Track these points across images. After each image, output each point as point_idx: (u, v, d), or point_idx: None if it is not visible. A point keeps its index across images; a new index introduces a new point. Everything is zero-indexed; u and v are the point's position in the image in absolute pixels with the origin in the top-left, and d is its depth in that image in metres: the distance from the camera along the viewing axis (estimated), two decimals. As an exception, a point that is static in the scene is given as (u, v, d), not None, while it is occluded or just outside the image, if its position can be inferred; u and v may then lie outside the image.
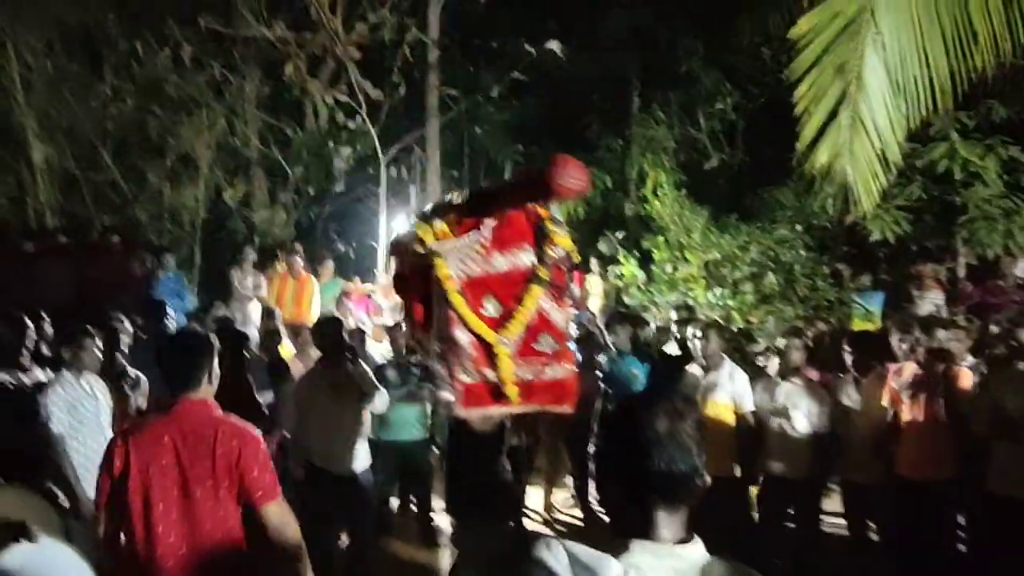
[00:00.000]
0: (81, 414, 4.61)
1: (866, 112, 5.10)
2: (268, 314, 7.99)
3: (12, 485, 4.01)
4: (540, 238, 3.19)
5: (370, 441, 6.61)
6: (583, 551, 1.18)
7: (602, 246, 11.07)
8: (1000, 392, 4.87)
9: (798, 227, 9.24)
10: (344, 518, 5.35)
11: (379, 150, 11.18)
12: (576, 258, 3.20)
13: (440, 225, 3.12)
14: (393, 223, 10.66)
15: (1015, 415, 4.70)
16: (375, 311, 9.40)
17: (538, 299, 3.19)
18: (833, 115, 5.19)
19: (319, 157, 12.39)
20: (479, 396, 3.33)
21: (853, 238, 9.55)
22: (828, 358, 6.52)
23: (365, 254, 12.01)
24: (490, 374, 3.23)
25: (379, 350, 7.74)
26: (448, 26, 12.43)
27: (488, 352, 3.19)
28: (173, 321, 6.54)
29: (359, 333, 6.81)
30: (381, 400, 5.51)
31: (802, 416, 5.55)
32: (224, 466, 2.98)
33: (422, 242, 3.06)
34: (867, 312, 8.96)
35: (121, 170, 11.78)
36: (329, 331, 5.47)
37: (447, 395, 3.24)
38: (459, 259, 3.17)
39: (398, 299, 9.88)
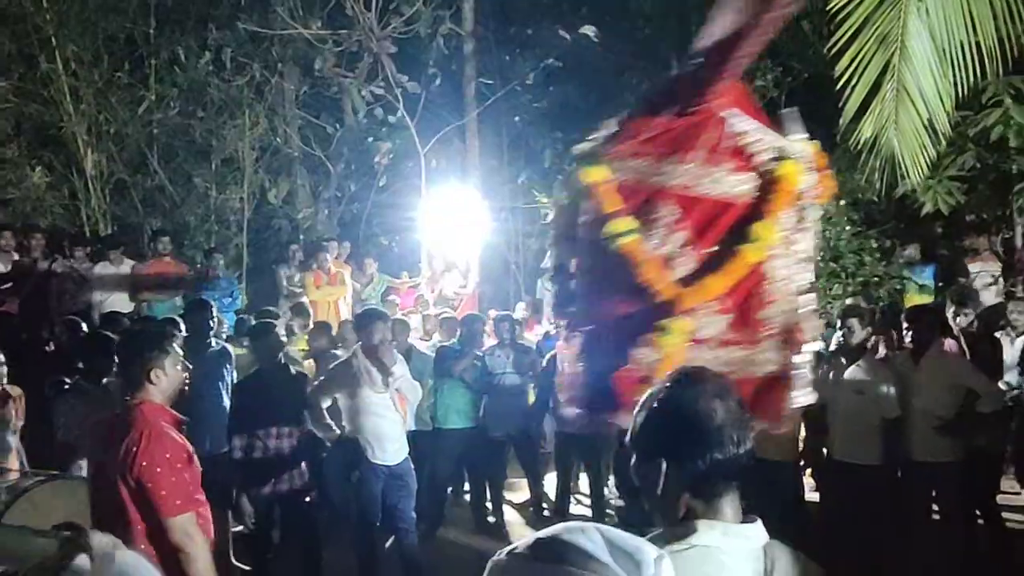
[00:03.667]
0: None
1: (911, 81, 4.96)
2: (297, 310, 8.17)
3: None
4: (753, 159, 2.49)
5: (423, 431, 6.73)
6: (619, 535, 1.15)
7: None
8: None
9: (842, 202, 9.04)
10: (389, 509, 5.40)
11: (418, 143, 11.22)
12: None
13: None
14: (434, 215, 10.69)
15: None
16: (422, 305, 9.48)
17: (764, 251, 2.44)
18: (877, 86, 5.07)
19: (360, 153, 12.49)
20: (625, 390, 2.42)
21: (903, 211, 9.30)
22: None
23: (408, 247, 12.09)
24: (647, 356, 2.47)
25: (426, 342, 7.81)
26: (482, 16, 12.42)
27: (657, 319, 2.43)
28: (216, 321, 6.67)
29: (403, 325, 6.86)
30: (414, 391, 5.56)
31: (872, 399, 5.37)
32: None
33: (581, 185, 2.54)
34: (920, 286, 8.75)
35: (169, 174, 12.02)
36: (366, 323, 5.50)
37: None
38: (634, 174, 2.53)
39: (447, 290, 10.06)
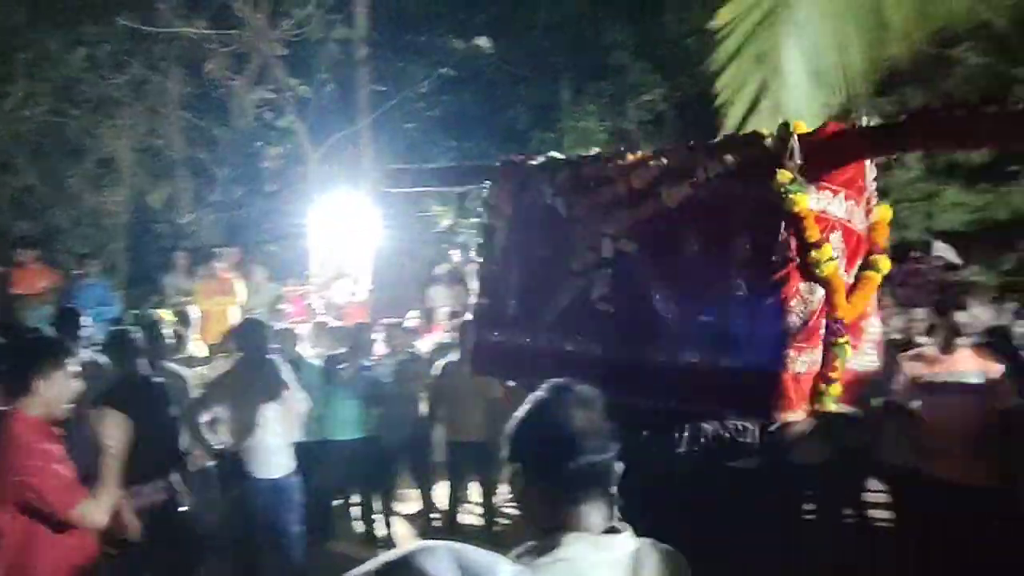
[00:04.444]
0: None
1: (786, 101, 5.18)
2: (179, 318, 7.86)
3: None
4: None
5: (311, 443, 6.55)
6: (473, 555, 1.13)
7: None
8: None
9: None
10: (272, 524, 5.24)
11: (309, 148, 10.99)
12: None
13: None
14: (325, 222, 10.49)
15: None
16: (311, 314, 9.26)
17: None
18: (754, 105, 5.26)
19: (247, 156, 12.14)
20: (802, 393, 3.02)
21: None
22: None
23: (297, 254, 11.82)
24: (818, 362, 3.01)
25: (315, 351, 7.63)
26: (376, 22, 12.31)
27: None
28: (89, 329, 6.32)
29: (289, 334, 6.68)
30: (301, 403, 5.40)
31: None
32: None
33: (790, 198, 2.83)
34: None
35: (38, 174, 11.35)
36: (249, 333, 5.33)
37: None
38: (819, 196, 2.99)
39: (337, 298, 9.86)
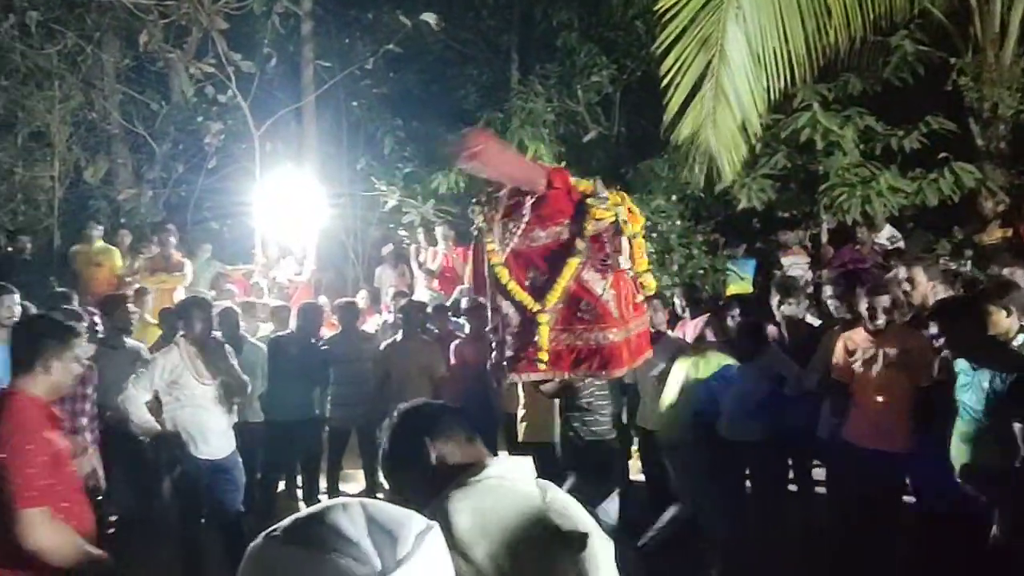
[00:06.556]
0: None
1: (728, 84, 5.27)
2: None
3: None
4: (580, 214, 3.63)
5: (256, 423, 6.48)
6: (384, 512, 1.13)
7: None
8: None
9: (673, 197, 9.47)
10: (213, 505, 5.19)
11: (252, 124, 10.76)
12: (627, 229, 3.59)
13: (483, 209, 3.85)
14: (269, 200, 10.29)
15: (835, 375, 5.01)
16: (255, 293, 9.10)
17: (575, 269, 3.60)
18: (697, 87, 5.34)
19: (188, 132, 11.83)
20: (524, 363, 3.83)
21: (728, 207, 9.85)
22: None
23: (241, 233, 11.59)
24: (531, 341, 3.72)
25: (264, 330, 7.54)
26: (321, -4, 12.08)
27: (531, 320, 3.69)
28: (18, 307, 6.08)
29: (232, 313, 6.56)
30: (242, 383, 5.32)
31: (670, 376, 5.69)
32: None
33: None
34: (741, 278, 9.31)
35: (-35, 149, 10.93)
36: (192, 312, 5.24)
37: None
38: (502, 235, 3.78)
39: (282, 277, 9.70)
